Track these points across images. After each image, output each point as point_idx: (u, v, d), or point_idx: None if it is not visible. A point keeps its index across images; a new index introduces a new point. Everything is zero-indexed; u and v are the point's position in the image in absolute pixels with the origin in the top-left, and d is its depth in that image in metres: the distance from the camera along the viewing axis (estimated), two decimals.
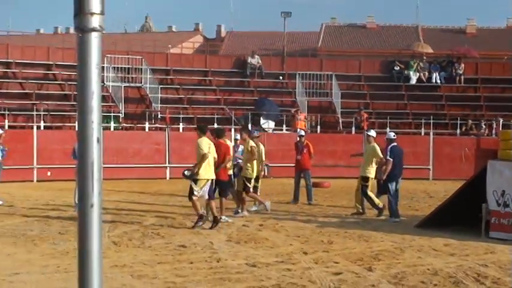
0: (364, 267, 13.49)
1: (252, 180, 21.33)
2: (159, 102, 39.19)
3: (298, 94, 41.19)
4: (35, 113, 34.04)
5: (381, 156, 21.14)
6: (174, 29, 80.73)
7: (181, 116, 37.60)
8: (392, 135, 22.24)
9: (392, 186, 20.70)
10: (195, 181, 18.10)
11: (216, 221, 17.96)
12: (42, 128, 32.82)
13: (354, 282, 12.26)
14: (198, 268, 13.27)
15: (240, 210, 20.81)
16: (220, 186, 19.63)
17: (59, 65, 39.49)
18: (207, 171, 18.21)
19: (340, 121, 39.96)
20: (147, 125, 36.19)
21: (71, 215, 19.86)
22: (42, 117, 34.13)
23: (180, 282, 12.01)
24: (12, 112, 34.85)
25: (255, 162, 21.19)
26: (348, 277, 12.63)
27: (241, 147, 25.50)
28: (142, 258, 14.01)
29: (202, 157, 18.03)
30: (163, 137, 33.23)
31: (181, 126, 36.50)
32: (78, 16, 1.83)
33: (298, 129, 31.88)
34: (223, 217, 19.28)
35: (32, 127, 31.88)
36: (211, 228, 17.77)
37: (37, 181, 29.30)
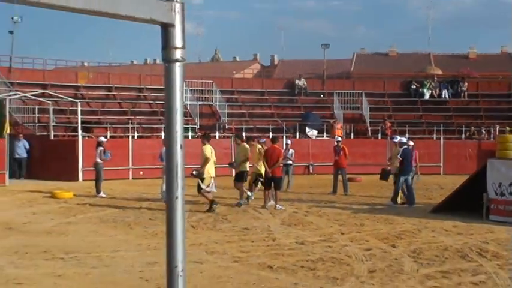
0: (389, 244, 13.40)
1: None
2: (226, 116, 39.38)
3: (336, 108, 41.09)
4: (130, 126, 34.34)
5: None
6: (237, 59, 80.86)
7: (243, 126, 37.64)
8: (404, 140, 22.27)
9: (402, 179, 20.73)
10: (202, 179, 18.66)
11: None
12: (135, 137, 33.09)
13: (381, 256, 12.18)
14: (258, 246, 13.28)
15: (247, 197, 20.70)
16: (275, 181, 19.76)
17: (149, 88, 39.85)
18: (210, 171, 18.78)
19: (369, 129, 39.78)
20: (217, 134, 36.27)
21: (159, 204, 20.01)
22: (135, 129, 34.43)
23: (244, 257, 12.03)
24: (112, 125, 35.22)
25: (260, 162, 20.53)
26: (376, 252, 12.55)
27: (291, 151, 25.51)
28: (214, 238, 14.06)
29: (205, 160, 18.68)
30: (230, 143, 33.28)
31: (244, 134, 36.51)
32: (165, 50, 1.85)
33: (336, 136, 31.84)
34: (278, 205, 19.29)
35: (128, 137, 32.16)
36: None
37: (132, 179, 29.56)
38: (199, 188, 18.74)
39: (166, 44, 1.84)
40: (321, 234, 14.77)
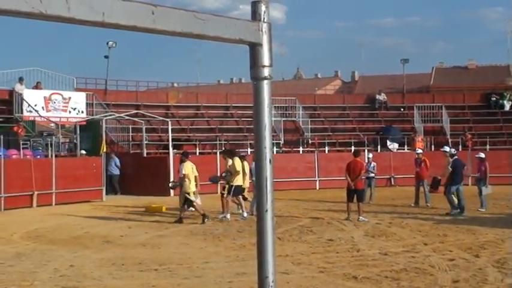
0: (473, 255, 13.07)
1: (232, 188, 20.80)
2: (309, 131, 39.33)
3: (416, 121, 40.51)
4: (217, 142, 34.68)
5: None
6: (319, 76, 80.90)
7: (326, 141, 37.53)
8: (452, 151, 22.60)
9: (453, 189, 20.66)
10: (188, 193, 19.47)
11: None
12: None
13: (465, 266, 11.88)
14: (342, 256, 13.17)
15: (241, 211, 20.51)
16: (358, 194, 19.59)
17: (235, 106, 40.20)
18: (191, 186, 19.53)
19: (450, 141, 38.92)
20: (300, 149, 36.28)
21: (246, 218, 20.11)
22: (223, 146, 34.75)
23: (329, 268, 11.95)
24: (201, 142, 35.66)
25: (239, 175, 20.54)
26: (460, 262, 12.26)
27: (373, 164, 25.24)
28: (300, 250, 14.02)
29: (184, 176, 19.59)
30: (313, 158, 33.21)
31: (326, 149, 36.38)
32: (253, 68, 1.85)
33: (417, 148, 31.32)
34: (361, 217, 19.09)
35: (216, 153, 32.48)
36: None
37: (220, 193, 29.71)
38: (186, 202, 19.59)
39: (255, 63, 1.84)
40: (404, 245, 14.53)
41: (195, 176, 19.97)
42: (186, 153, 21.20)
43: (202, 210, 19.62)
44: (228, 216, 20.05)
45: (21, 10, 1.36)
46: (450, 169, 20.73)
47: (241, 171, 20.30)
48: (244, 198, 21.07)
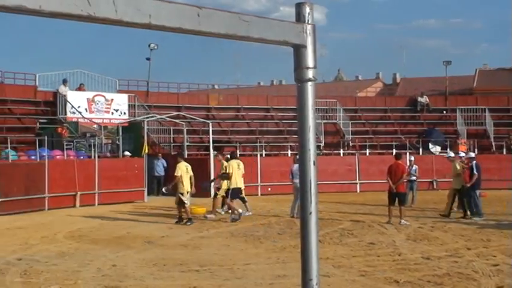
0: None
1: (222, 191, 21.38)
2: (350, 134, 39.16)
3: (459, 124, 40.07)
4: (258, 144, 34.72)
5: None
6: (360, 78, 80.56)
7: (367, 143, 37.32)
8: (472, 154, 22.76)
9: (477, 193, 20.73)
10: (181, 194, 19.78)
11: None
12: (263, 155, 33.40)
13: (509, 272, 11.70)
14: (384, 260, 13.07)
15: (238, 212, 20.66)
16: (399, 197, 19.44)
17: (275, 108, 40.23)
18: (187, 186, 19.82)
19: (493, 144, 38.47)
20: (341, 151, 36.12)
21: (287, 219, 20.10)
22: (263, 148, 34.77)
23: (371, 271, 11.87)
24: (241, 144, 35.74)
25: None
26: (504, 268, 12.06)
27: (414, 167, 25.02)
28: (340, 253, 13.96)
29: (176, 177, 19.89)
30: (354, 160, 33.05)
31: (367, 151, 36.17)
32: (297, 70, 1.85)
33: (459, 152, 30.96)
34: (402, 221, 18.92)
35: (256, 155, 32.52)
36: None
37: (261, 195, 29.78)
38: (181, 202, 19.79)
39: (299, 65, 1.84)
40: (447, 250, 14.36)
41: (190, 177, 20.25)
42: (181, 154, 21.60)
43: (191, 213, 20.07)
44: (247, 212, 20.56)
45: (71, 13, 1.38)
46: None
47: (235, 174, 20.51)
48: (244, 200, 21.32)
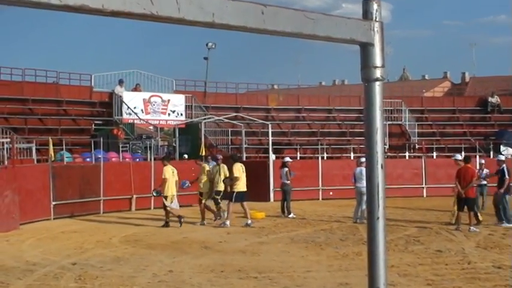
0: None
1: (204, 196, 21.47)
2: (416, 136, 38.77)
3: None
4: (319, 147, 34.62)
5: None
6: (426, 77, 79.65)
7: (434, 146, 36.88)
8: (502, 157, 22.46)
9: (507, 197, 20.38)
10: (165, 197, 20.47)
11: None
12: (325, 158, 33.28)
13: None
14: (452, 269, 12.88)
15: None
16: (467, 203, 19.17)
17: (337, 109, 40.12)
18: (172, 189, 20.51)
19: None
20: (407, 154, 35.74)
21: (350, 225, 20.00)
22: (325, 150, 34.66)
23: (438, 281, 11.72)
24: (302, 147, 35.72)
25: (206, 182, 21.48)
26: None
27: (485, 170, 24.56)
28: (406, 261, 13.81)
29: (164, 180, 20.49)
30: (420, 163, 32.64)
31: (434, 154, 35.71)
32: (364, 69, 1.84)
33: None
34: (472, 228, 18.62)
35: (317, 158, 32.42)
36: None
37: (322, 199, 29.68)
38: (164, 205, 20.49)
39: (366, 63, 1.83)
40: None
41: (176, 181, 20.78)
42: (168, 157, 22.25)
43: (179, 214, 20.55)
44: (228, 223, 20.43)
45: (134, 12, 1.41)
46: (508, 178, 20.55)
47: (241, 177, 20.68)
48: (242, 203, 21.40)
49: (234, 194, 20.53)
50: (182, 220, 20.35)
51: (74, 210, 23.36)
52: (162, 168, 20.99)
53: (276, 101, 40.23)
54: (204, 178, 21.53)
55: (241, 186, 20.68)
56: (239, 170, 20.78)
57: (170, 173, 20.67)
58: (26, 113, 31.64)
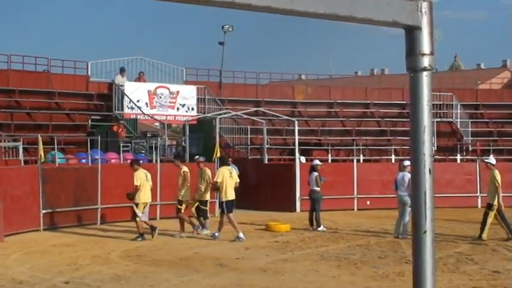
0: None
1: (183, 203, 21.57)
2: (470, 135, 38.56)
3: None
4: (354, 147, 34.57)
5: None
6: (482, 66, 79.20)
7: (491, 147, 36.66)
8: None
9: None
10: (136, 205, 20.45)
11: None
12: (361, 161, 33.19)
13: None
14: None
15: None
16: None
17: (376, 104, 39.98)
18: (145, 196, 20.66)
19: None
20: (458, 157, 35.59)
21: (390, 240, 19.94)
22: (361, 152, 34.57)
23: None
24: (334, 147, 35.65)
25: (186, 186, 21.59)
26: None
27: None
28: (457, 283, 13.76)
29: (135, 187, 20.43)
30: (475, 168, 32.46)
31: (491, 157, 35.49)
32: (410, 57, 1.84)
33: None
34: None
35: (352, 160, 32.34)
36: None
37: (357, 209, 29.61)
38: (134, 214, 20.54)
39: (412, 50, 1.84)
40: None
41: (150, 186, 20.99)
42: (137, 161, 22.27)
43: (143, 229, 20.45)
44: (241, 234, 20.30)
45: None
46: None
47: (226, 184, 20.61)
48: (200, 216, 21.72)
49: (224, 203, 20.66)
50: (155, 233, 20.45)
51: (67, 220, 23.42)
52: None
53: (304, 93, 40.15)
54: (202, 185, 21.69)
55: (230, 194, 20.71)
56: (223, 174, 20.74)
57: (143, 178, 20.71)
58: (12, 106, 31.79)
